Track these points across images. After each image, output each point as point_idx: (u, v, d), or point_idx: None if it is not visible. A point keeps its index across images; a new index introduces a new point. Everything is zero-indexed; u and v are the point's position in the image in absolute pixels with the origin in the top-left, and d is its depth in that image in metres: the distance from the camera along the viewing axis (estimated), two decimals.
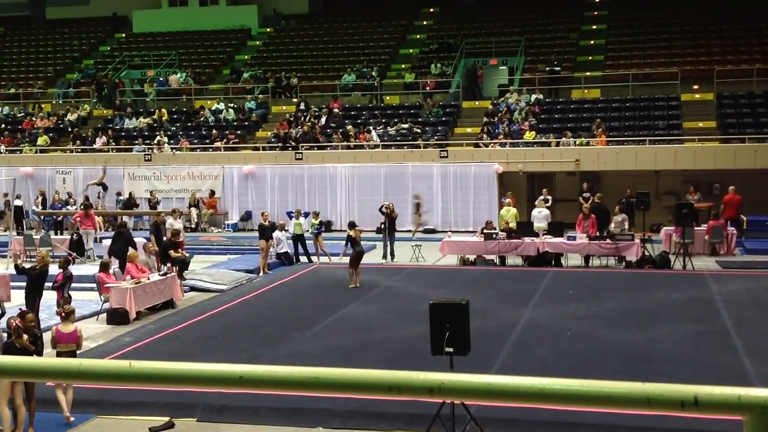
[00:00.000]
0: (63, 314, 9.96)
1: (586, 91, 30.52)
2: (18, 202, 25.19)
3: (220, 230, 27.47)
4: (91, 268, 17.71)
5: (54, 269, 14.44)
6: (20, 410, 8.85)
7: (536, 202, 22.74)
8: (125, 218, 25.37)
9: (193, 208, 27.55)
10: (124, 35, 40.73)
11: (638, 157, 25.25)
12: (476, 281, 18.06)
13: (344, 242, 18.76)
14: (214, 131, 30.39)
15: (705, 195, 24.52)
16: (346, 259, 18.23)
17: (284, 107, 32.47)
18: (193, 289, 17.54)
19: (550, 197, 24.24)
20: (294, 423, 9.32)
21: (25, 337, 9.10)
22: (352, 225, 18.48)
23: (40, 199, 27.91)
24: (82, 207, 22.96)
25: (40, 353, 9.22)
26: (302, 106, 31.52)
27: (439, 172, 26.41)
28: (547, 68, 30.88)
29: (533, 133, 27.55)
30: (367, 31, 37.54)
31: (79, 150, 30.46)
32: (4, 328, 10.26)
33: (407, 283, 17.81)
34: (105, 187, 27.38)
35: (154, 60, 36.82)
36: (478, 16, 36.44)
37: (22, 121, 33.71)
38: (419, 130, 28.78)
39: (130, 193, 27.90)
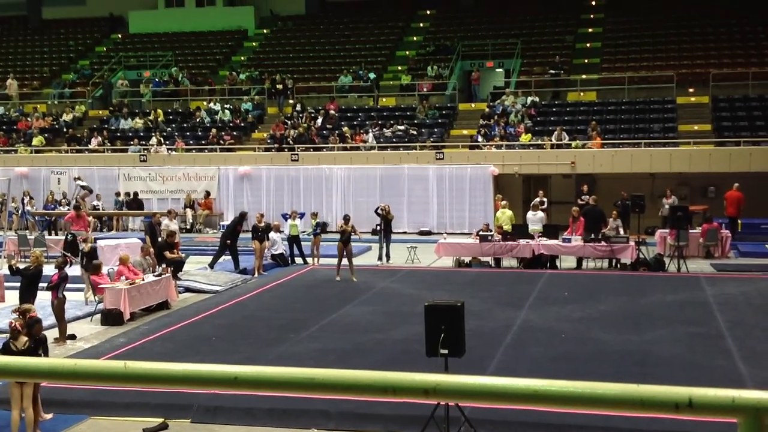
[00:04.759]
0: (18, 312, 9.87)
1: (582, 93, 30.54)
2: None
3: (215, 231, 27.40)
4: None
5: (49, 269, 14.39)
6: (27, 412, 8.84)
7: (532, 204, 22.77)
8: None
9: (188, 209, 27.49)
10: (120, 36, 40.68)
11: (634, 160, 25.28)
12: (471, 283, 18.05)
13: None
14: (213, 131, 30.29)
15: (699, 198, 24.54)
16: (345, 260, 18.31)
17: None
18: (187, 290, 17.51)
19: (545, 200, 24.25)
20: (288, 424, 9.31)
21: (24, 339, 9.04)
22: (346, 219, 18.65)
23: (27, 199, 27.80)
24: (73, 207, 22.84)
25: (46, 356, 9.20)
26: (298, 108, 31.50)
27: (435, 173, 26.41)
28: (551, 70, 30.85)
29: (529, 135, 27.57)
30: (364, 32, 37.54)
31: (75, 150, 30.40)
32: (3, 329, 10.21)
33: (402, 285, 17.80)
34: (90, 190, 26.80)
35: (150, 61, 36.77)
36: (474, 19, 36.46)
37: (18, 121, 33.64)
38: (415, 132, 28.80)
39: (135, 193, 27.89)
